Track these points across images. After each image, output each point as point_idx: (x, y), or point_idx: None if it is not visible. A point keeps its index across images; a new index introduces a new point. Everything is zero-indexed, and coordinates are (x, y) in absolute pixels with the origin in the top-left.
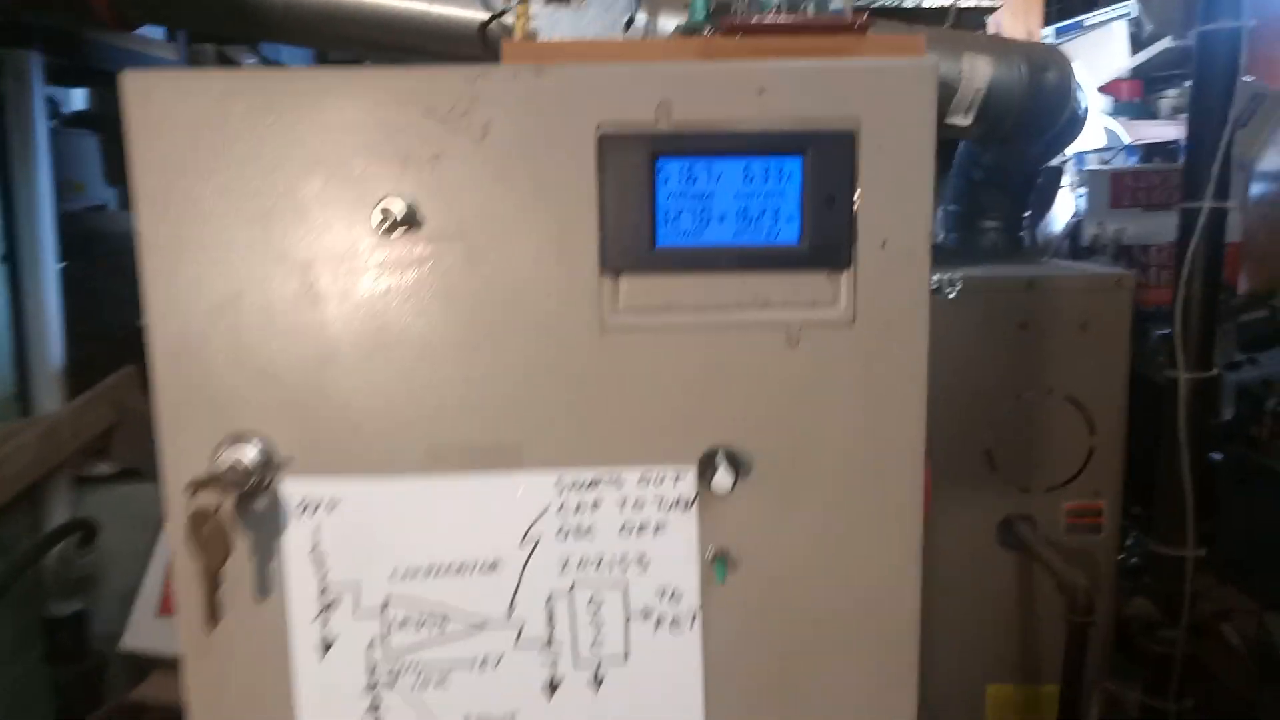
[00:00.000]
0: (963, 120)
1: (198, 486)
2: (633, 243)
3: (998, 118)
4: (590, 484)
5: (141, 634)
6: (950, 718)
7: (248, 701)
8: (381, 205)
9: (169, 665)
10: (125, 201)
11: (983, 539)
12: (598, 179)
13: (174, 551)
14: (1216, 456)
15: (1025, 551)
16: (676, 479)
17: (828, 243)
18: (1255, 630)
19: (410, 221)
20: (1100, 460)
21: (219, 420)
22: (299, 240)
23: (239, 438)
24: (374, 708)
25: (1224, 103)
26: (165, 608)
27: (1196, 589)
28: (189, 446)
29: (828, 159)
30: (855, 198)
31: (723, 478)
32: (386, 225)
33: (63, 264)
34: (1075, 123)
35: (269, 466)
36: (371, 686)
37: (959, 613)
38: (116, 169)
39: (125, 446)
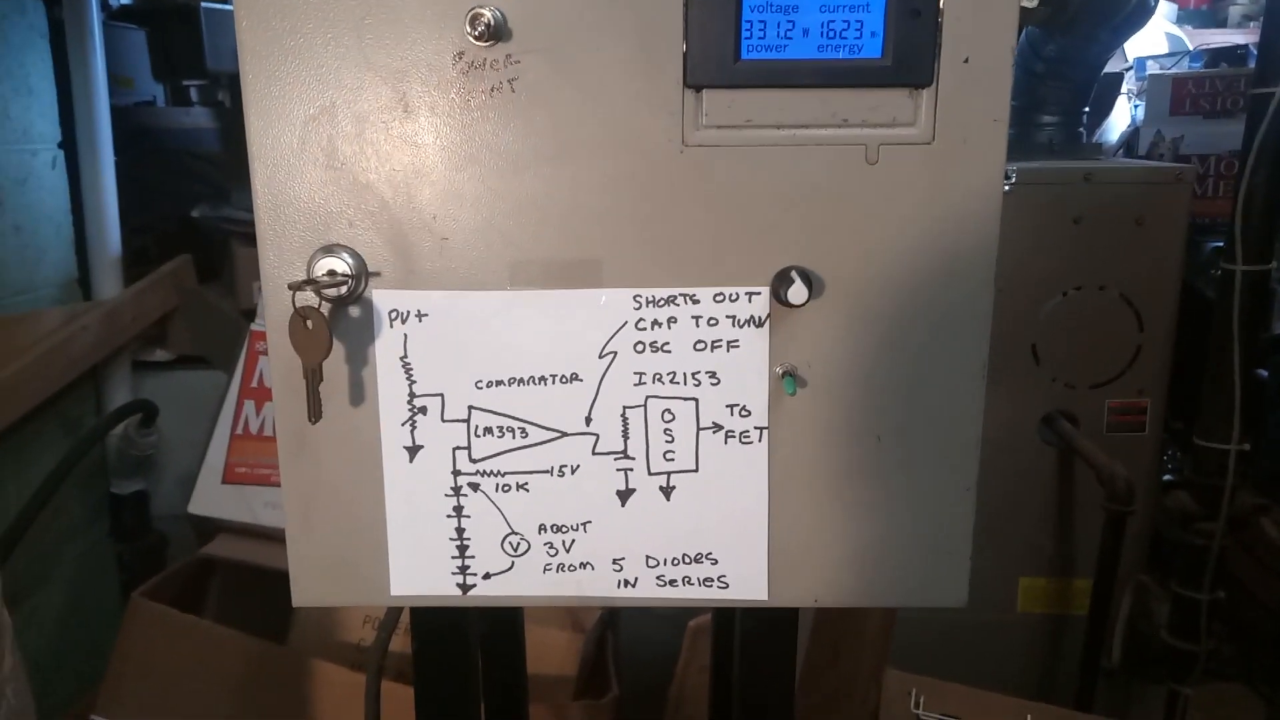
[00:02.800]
0: (1029, 1)
1: (297, 287)
2: (717, 55)
3: None
4: (667, 300)
5: (207, 501)
6: (982, 608)
7: (340, 500)
8: (473, 12)
9: (233, 529)
10: (173, 98)
11: (1023, 434)
12: None
13: (273, 357)
14: (1262, 373)
15: (1066, 447)
16: (750, 297)
17: (911, 57)
18: None
19: (500, 33)
20: (1147, 358)
21: (313, 230)
22: (391, 50)
23: (331, 248)
24: (458, 509)
25: None
26: (229, 476)
27: (1236, 484)
28: (286, 255)
29: None
30: (940, 9)
31: (798, 290)
32: (478, 33)
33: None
34: (1143, 10)
35: (361, 276)
36: (456, 489)
37: (995, 505)
38: (164, 65)
39: (182, 333)
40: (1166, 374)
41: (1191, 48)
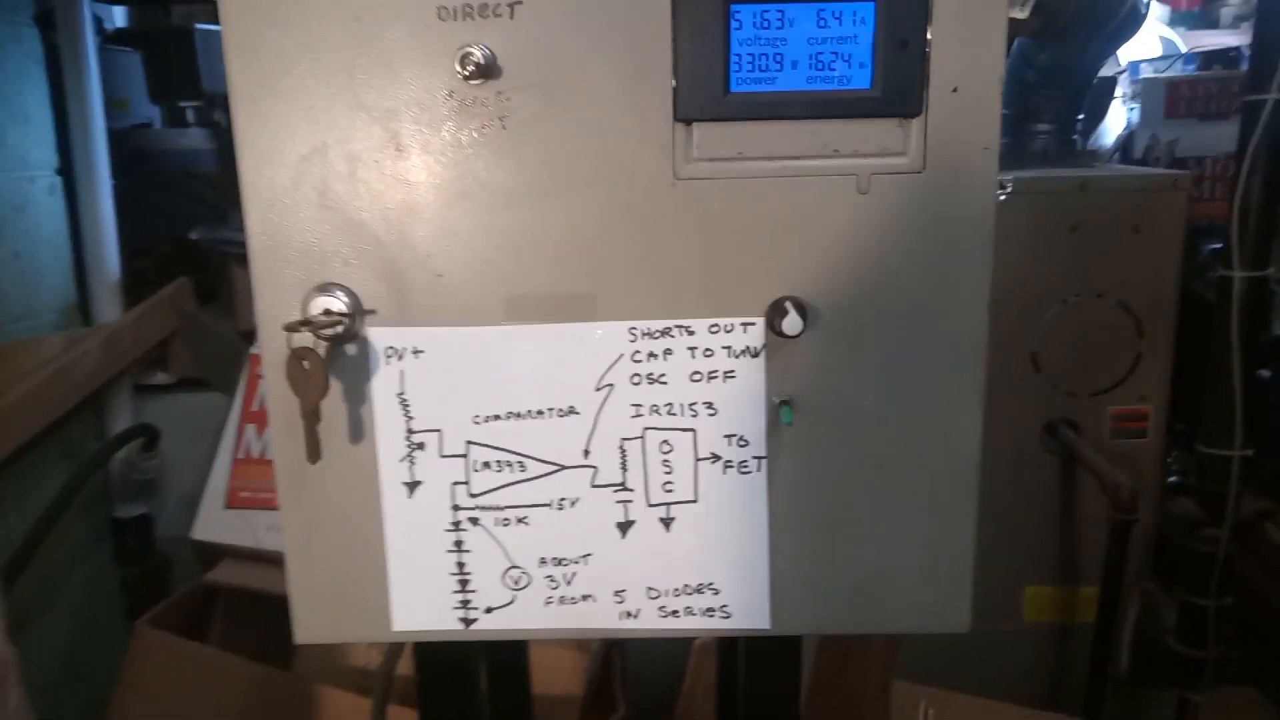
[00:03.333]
0: (1019, 12)
1: (293, 328)
2: (706, 89)
3: (1055, 9)
4: (662, 332)
5: (211, 526)
6: (987, 617)
7: (340, 537)
8: (462, 52)
9: (237, 554)
10: (169, 119)
11: (1026, 443)
12: (672, 25)
13: (270, 395)
14: (1264, 374)
15: (1069, 455)
16: (745, 328)
17: (900, 88)
18: None
19: (490, 71)
20: (1148, 364)
21: (308, 270)
22: (382, 90)
23: (326, 288)
24: (458, 544)
25: None
26: (232, 501)
27: (1240, 490)
28: (281, 294)
29: (902, 1)
30: (928, 39)
31: (793, 320)
32: (468, 72)
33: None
34: (1135, 18)
35: (356, 315)
36: (455, 524)
37: (999, 515)
38: (159, 87)
39: (182, 356)
40: (1167, 380)
41: (1184, 50)
